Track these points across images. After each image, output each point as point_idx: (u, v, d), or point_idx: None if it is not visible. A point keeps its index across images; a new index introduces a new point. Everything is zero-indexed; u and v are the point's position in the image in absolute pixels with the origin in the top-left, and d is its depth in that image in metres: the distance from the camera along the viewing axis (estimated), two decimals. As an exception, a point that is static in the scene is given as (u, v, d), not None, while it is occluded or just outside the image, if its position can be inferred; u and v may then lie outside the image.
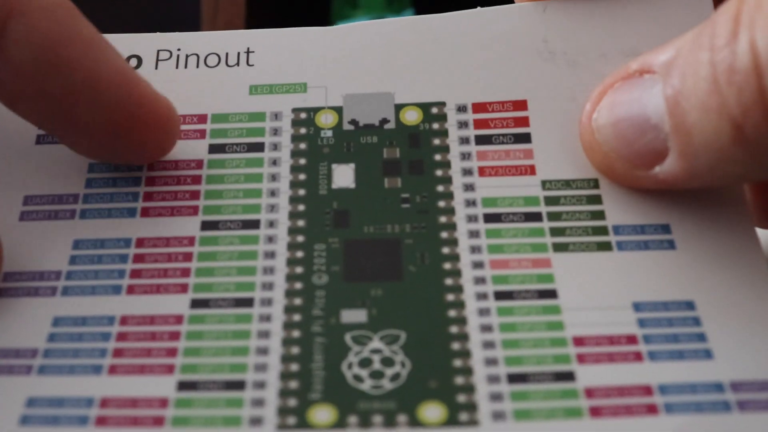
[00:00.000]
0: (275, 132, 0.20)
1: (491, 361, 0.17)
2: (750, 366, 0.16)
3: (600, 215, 0.19)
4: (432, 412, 0.16)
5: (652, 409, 0.16)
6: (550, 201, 0.19)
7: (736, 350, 0.17)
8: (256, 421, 0.16)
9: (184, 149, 0.20)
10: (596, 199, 0.19)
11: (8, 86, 0.18)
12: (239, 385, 0.17)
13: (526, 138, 0.20)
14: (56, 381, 0.17)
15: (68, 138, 0.19)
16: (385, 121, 0.20)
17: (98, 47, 0.18)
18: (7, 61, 0.18)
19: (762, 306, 0.17)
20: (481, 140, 0.20)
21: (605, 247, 0.18)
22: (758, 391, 0.16)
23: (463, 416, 0.16)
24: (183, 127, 0.20)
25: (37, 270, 0.18)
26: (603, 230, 0.18)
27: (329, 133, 0.20)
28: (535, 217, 0.19)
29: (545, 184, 0.19)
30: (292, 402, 0.16)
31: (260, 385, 0.17)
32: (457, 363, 0.17)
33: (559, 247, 0.18)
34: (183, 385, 0.17)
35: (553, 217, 0.19)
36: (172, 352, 0.17)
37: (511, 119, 0.20)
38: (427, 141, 0.20)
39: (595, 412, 0.16)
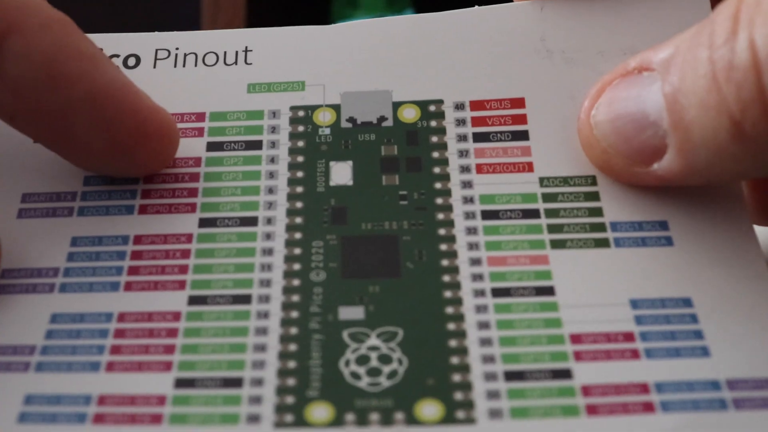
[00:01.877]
0: (273, 130, 0.20)
1: (488, 359, 0.17)
2: (746, 364, 0.16)
3: (598, 212, 0.19)
4: (429, 409, 0.16)
5: (648, 407, 0.16)
6: (547, 198, 0.19)
7: (733, 348, 0.17)
8: (254, 419, 0.16)
9: (182, 147, 0.20)
10: (594, 196, 0.19)
11: (6, 102, 0.18)
12: (237, 383, 0.17)
13: (523, 135, 0.20)
14: (54, 378, 0.17)
15: (66, 152, 0.19)
16: (383, 118, 0.20)
17: (97, 63, 0.18)
18: (5, 77, 0.17)
19: (759, 303, 0.17)
20: (478, 138, 0.20)
21: (603, 243, 0.18)
22: (754, 389, 0.16)
23: (460, 414, 0.16)
24: (181, 125, 0.20)
25: (34, 267, 0.18)
26: (601, 227, 0.18)
27: (327, 131, 0.20)
28: (533, 214, 0.19)
29: (543, 181, 0.19)
30: (290, 399, 0.16)
31: (258, 382, 0.17)
32: (455, 360, 0.17)
33: (556, 244, 0.18)
34: (180, 383, 0.17)
35: (551, 214, 0.19)
36: (169, 350, 0.17)
37: (509, 117, 0.20)
38: (425, 138, 0.20)
39: (592, 410, 0.16)
